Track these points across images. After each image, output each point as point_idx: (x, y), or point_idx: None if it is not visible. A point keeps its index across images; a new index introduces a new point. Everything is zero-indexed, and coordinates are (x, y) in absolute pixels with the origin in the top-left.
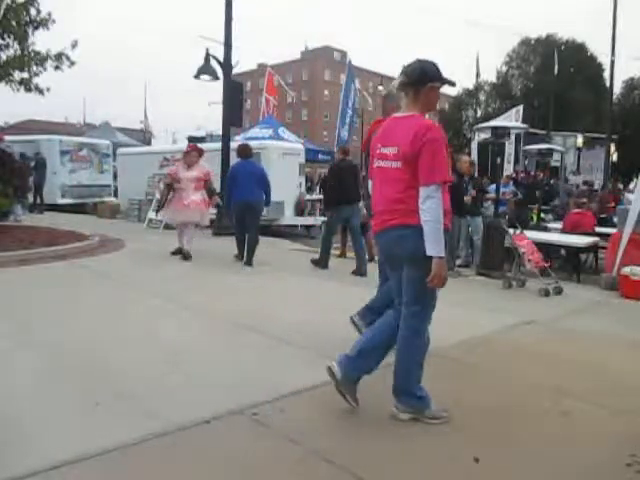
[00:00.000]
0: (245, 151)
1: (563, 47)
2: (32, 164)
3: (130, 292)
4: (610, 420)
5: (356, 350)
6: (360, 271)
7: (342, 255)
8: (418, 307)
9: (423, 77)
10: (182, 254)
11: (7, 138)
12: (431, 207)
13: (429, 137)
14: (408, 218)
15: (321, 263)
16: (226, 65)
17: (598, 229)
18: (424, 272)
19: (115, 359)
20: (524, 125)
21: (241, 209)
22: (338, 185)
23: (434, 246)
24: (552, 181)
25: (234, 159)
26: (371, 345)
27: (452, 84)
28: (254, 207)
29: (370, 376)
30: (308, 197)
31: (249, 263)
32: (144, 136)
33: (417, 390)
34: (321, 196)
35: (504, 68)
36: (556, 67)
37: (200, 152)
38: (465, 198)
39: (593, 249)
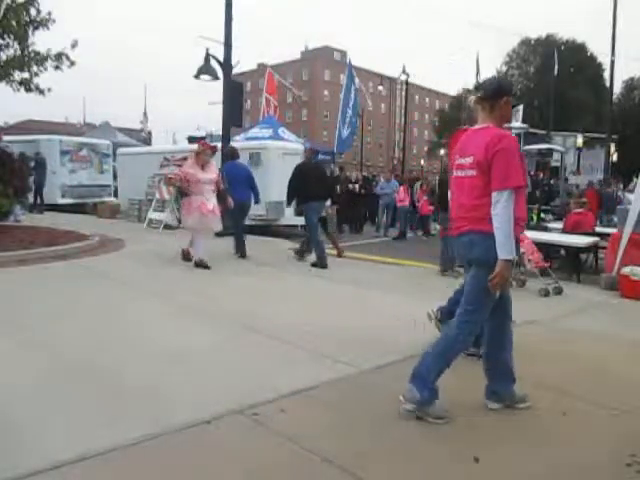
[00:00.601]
0: (234, 153)
1: (563, 47)
2: (32, 164)
3: (130, 292)
4: (610, 420)
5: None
6: (322, 263)
7: (340, 255)
8: (472, 307)
9: (499, 92)
10: (203, 265)
11: (6, 138)
12: (502, 211)
13: (502, 146)
14: (479, 224)
15: (321, 262)
16: (226, 65)
17: (598, 229)
18: (487, 276)
19: (115, 359)
20: (524, 125)
21: (240, 209)
22: (303, 183)
23: (503, 248)
24: (552, 181)
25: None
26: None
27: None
28: (248, 206)
29: (373, 380)
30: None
31: (244, 255)
32: (144, 136)
33: (431, 383)
34: None
35: (504, 68)
36: (556, 67)
37: (214, 150)
38: None
39: (593, 249)
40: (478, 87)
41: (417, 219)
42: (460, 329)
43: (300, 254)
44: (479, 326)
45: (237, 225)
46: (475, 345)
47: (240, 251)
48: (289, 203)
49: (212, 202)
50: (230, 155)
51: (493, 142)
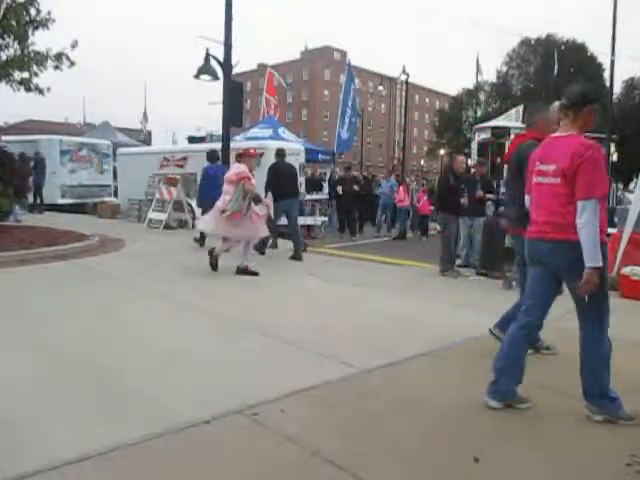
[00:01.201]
0: (214, 155)
1: (563, 47)
2: (32, 164)
3: (130, 292)
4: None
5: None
6: (297, 256)
7: (304, 249)
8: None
9: (583, 100)
10: (252, 273)
11: (6, 138)
12: (589, 220)
13: (589, 155)
14: (565, 233)
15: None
16: (226, 65)
17: None
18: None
19: (115, 359)
20: (524, 125)
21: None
22: (277, 182)
23: (590, 256)
24: None
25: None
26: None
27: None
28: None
29: (373, 380)
30: (308, 197)
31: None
32: (144, 136)
33: (609, 392)
34: (320, 196)
35: (504, 68)
36: (556, 67)
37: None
38: (462, 200)
39: None
40: (563, 94)
41: (417, 219)
42: (594, 336)
43: (258, 249)
44: (608, 323)
45: None
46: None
47: (202, 240)
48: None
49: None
50: (211, 157)
51: (579, 151)
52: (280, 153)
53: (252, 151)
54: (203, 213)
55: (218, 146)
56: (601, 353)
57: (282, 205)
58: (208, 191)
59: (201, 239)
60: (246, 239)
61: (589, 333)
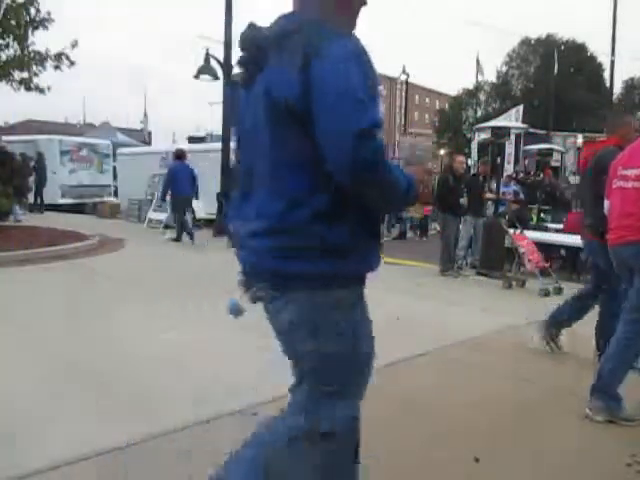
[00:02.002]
0: (181, 154)
1: (563, 47)
2: (32, 164)
3: (130, 292)
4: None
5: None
6: None
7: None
8: (638, 314)
9: None
10: None
11: (6, 138)
12: None
13: None
14: None
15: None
16: (226, 65)
17: None
18: None
19: (114, 359)
20: (524, 125)
21: (181, 202)
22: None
23: None
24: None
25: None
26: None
27: None
28: (191, 200)
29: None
30: None
31: (179, 239)
32: (144, 136)
33: (617, 392)
34: None
35: (504, 68)
36: (556, 67)
37: None
38: (462, 200)
39: None
40: None
41: (417, 219)
42: (631, 333)
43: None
44: None
45: (179, 215)
46: None
47: (178, 235)
48: None
49: None
50: (177, 156)
51: None
52: None
53: None
54: (176, 210)
55: (218, 146)
56: (630, 353)
57: None
58: (178, 188)
59: (178, 236)
60: None
61: (629, 331)
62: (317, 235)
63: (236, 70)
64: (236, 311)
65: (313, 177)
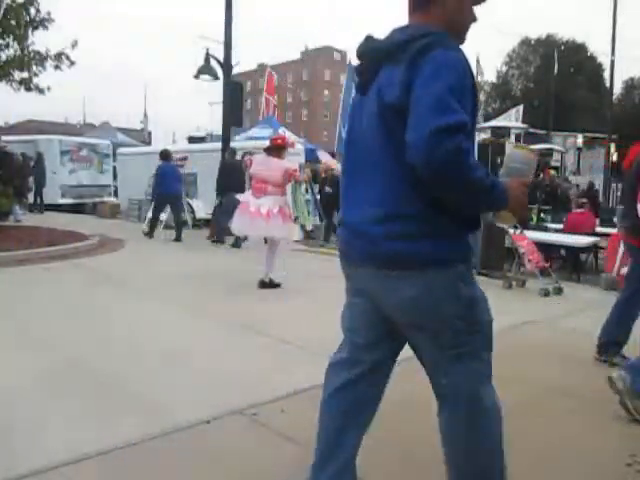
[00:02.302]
0: (167, 155)
1: (563, 47)
2: (32, 164)
3: (130, 292)
4: (610, 420)
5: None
6: (219, 238)
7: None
8: None
9: None
10: (275, 285)
11: (6, 138)
12: None
13: None
14: None
15: (219, 239)
16: (226, 65)
17: (598, 229)
18: None
19: (115, 359)
20: (524, 125)
21: (166, 200)
22: (227, 178)
23: None
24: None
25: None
26: None
27: None
28: (178, 198)
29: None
30: (309, 196)
31: (179, 239)
32: (144, 136)
33: None
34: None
35: (504, 68)
36: (556, 67)
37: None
38: None
39: (593, 249)
40: None
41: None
42: None
43: (218, 240)
44: None
45: (156, 211)
46: None
47: (151, 231)
48: (219, 194)
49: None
50: (165, 156)
51: None
52: (234, 152)
53: (280, 141)
54: (157, 207)
55: (218, 146)
56: None
57: (231, 198)
58: (167, 187)
59: (150, 231)
60: (281, 239)
61: None
62: (427, 221)
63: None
64: None
65: None
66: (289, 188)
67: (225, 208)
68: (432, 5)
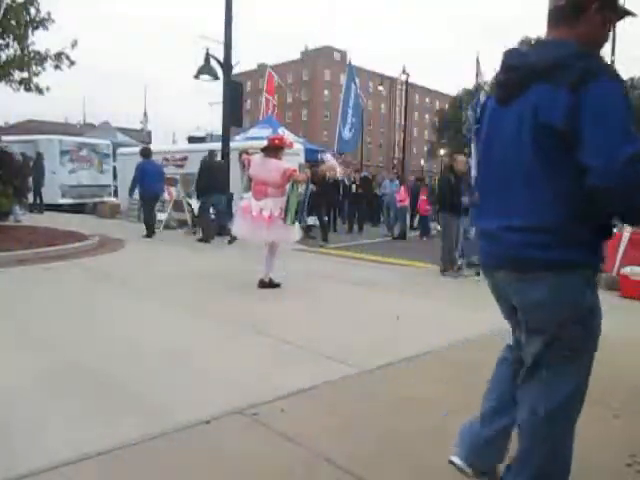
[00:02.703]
0: (148, 152)
1: None
2: (31, 164)
3: (130, 292)
4: (610, 420)
5: None
6: (206, 238)
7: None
8: None
9: None
10: (274, 285)
11: (6, 138)
12: None
13: None
14: None
15: (205, 238)
16: (226, 65)
17: None
18: None
19: (115, 359)
20: None
21: (151, 198)
22: (209, 178)
23: None
24: None
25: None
26: None
27: None
28: (159, 196)
29: (373, 380)
30: (301, 198)
31: (150, 236)
32: (144, 136)
33: None
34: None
35: None
36: None
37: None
38: (464, 199)
39: None
40: None
41: (418, 219)
42: None
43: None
44: None
45: (149, 210)
46: None
47: (149, 231)
48: (201, 194)
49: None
50: (145, 154)
51: None
52: (215, 154)
53: (277, 141)
54: (145, 208)
55: (218, 146)
56: None
57: (213, 198)
58: (150, 185)
59: (148, 233)
60: (281, 242)
61: None
62: (566, 232)
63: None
64: None
65: (567, 186)
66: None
67: (208, 207)
68: (579, 22)
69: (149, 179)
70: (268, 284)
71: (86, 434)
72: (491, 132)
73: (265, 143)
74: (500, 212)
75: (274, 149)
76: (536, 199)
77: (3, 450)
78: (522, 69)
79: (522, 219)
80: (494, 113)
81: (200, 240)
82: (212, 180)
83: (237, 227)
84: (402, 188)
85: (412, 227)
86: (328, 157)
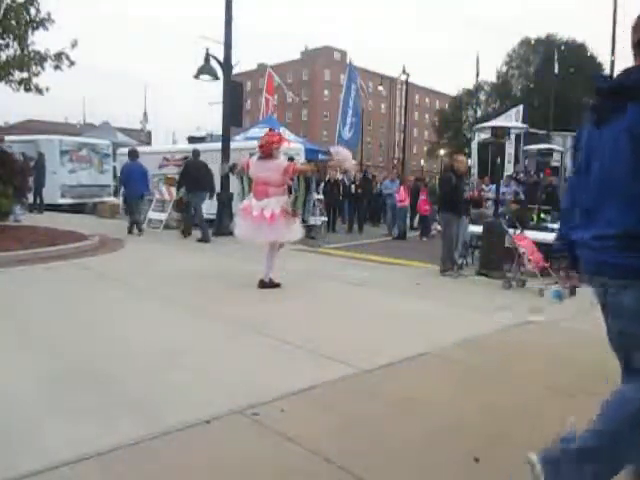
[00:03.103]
0: (136, 154)
1: (563, 47)
2: (31, 164)
3: (130, 292)
4: None
5: None
6: (205, 238)
7: (185, 232)
8: None
9: None
10: (275, 285)
11: (7, 138)
12: None
13: None
14: None
15: (205, 238)
16: (226, 65)
17: None
18: None
19: (115, 359)
20: (524, 125)
21: (136, 199)
22: (192, 177)
23: None
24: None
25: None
26: None
27: None
28: (144, 197)
29: (373, 380)
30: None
31: (131, 232)
32: (144, 136)
33: None
34: (321, 196)
35: (504, 68)
36: (556, 67)
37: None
38: (466, 194)
39: None
40: None
41: (418, 219)
42: None
43: (184, 234)
44: None
45: (134, 209)
46: None
47: (133, 229)
48: (177, 190)
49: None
50: (132, 155)
51: None
52: (198, 153)
53: (269, 139)
54: (129, 208)
55: (218, 146)
56: None
57: (198, 196)
58: (131, 187)
59: (130, 228)
60: (283, 240)
61: None
62: None
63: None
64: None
65: None
66: (299, 185)
67: (195, 205)
68: None
69: (132, 182)
70: (268, 284)
71: (86, 434)
72: (590, 152)
73: (258, 142)
74: (599, 222)
75: (268, 150)
76: (636, 209)
77: (3, 450)
78: (617, 92)
79: (621, 228)
80: (591, 135)
81: (200, 240)
82: (195, 179)
83: (238, 228)
84: (402, 188)
85: (412, 227)
86: (338, 149)
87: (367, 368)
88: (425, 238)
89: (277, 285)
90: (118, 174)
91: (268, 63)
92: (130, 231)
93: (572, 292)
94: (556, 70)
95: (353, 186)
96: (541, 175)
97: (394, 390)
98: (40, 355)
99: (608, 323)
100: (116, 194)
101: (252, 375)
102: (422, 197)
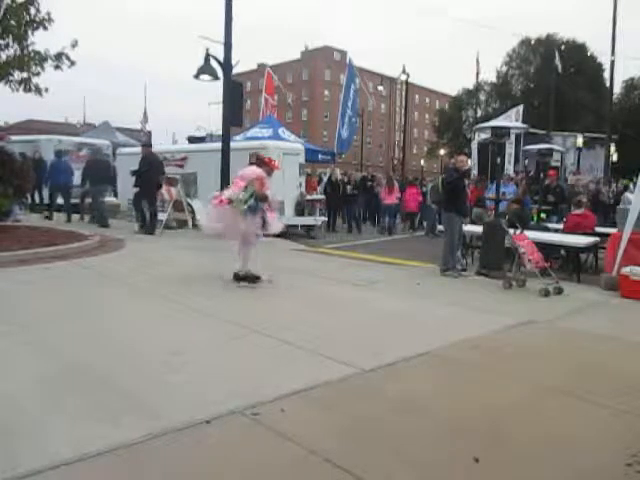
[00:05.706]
0: (60, 153)
1: (563, 47)
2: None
3: (130, 292)
4: (610, 420)
5: None
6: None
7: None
8: None
9: None
10: (253, 277)
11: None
12: None
13: None
14: None
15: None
16: (226, 65)
17: (598, 229)
18: None
19: (115, 359)
20: (524, 125)
21: (56, 189)
22: (96, 171)
23: None
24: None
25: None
26: None
27: None
28: (67, 187)
29: (373, 380)
30: (308, 197)
31: (69, 220)
32: (144, 136)
33: None
34: (322, 196)
35: (504, 68)
36: (559, 67)
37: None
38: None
39: (593, 249)
40: None
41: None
42: None
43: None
44: None
45: (53, 199)
46: None
47: (49, 214)
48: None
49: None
50: (58, 154)
51: None
52: (96, 150)
53: (275, 163)
54: (50, 195)
55: (218, 146)
56: None
57: (98, 188)
58: (54, 178)
59: (49, 215)
60: (257, 232)
61: None
62: None
63: None
64: None
65: None
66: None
67: (98, 196)
68: None
69: (56, 173)
70: (245, 277)
71: (86, 434)
72: None
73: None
74: None
75: (260, 161)
76: None
77: (3, 450)
78: None
79: None
80: None
81: (101, 225)
82: (97, 172)
83: (208, 220)
84: (386, 188)
85: (413, 227)
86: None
87: (367, 368)
88: (412, 230)
89: (257, 278)
90: (118, 174)
91: (268, 63)
92: (50, 217)
93: (559, 291)
94: (560, 69)
95: (348, 187)
96: (541, 175)
97: (394, 390)
98: (40, 355)
99: None
100: (116, 194)
101: (252, 375)
102: (411, 191)
